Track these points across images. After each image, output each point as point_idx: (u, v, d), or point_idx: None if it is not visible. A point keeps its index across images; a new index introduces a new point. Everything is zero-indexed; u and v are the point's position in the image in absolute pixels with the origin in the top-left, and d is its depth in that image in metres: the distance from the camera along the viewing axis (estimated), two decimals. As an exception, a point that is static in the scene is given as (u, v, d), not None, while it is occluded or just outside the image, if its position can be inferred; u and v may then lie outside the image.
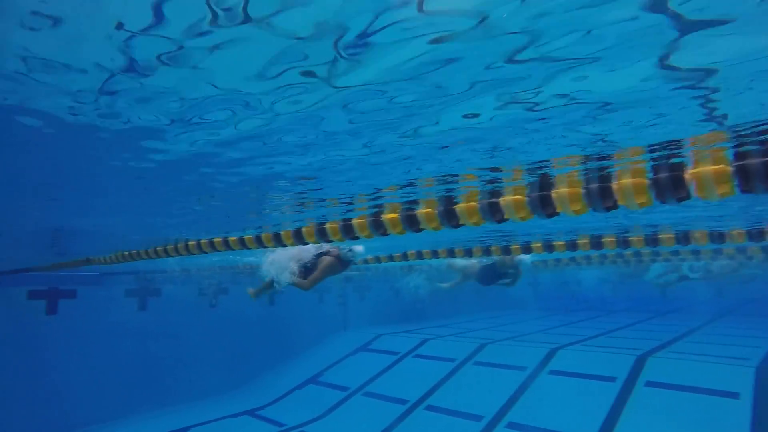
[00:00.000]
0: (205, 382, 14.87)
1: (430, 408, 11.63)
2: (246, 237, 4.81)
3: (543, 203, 3.49)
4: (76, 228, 6.27)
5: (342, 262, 7.15)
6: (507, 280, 11.87)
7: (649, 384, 9.73)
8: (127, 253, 6.99)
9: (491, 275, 11.08)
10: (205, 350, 15.42)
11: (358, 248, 7.09)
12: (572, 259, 13.35)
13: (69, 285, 13.70)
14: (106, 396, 13.26)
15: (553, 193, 3.45)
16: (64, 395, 12.74)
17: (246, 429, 12.33)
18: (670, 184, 3.21)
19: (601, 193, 3.36)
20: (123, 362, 13.97)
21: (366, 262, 11.54)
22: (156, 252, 5.94)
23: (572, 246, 7.43)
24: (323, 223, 4.64)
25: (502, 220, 3.64)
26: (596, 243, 7.40)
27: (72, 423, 12.40)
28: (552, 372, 11.49)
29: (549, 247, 7.74)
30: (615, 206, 3.48)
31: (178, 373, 14.80)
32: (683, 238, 7.26)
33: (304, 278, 7.20)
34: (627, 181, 3.26)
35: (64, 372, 12.99)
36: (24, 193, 4.19)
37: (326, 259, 6.98)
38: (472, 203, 3.65)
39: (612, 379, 10.24)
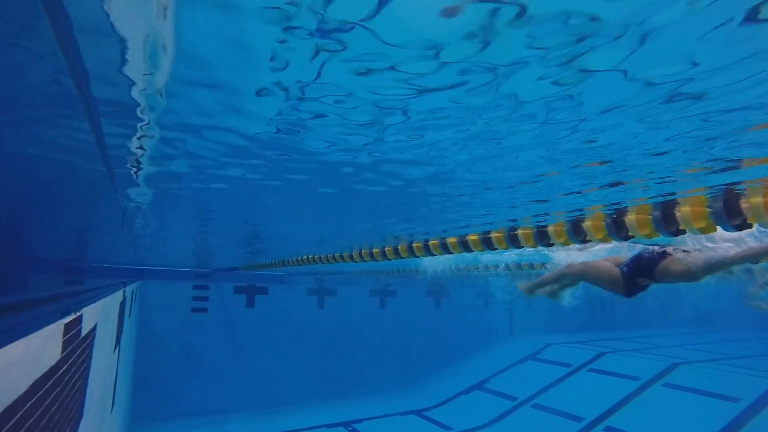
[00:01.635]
0: (375, 378, 15.75)
1: (610, 430, 10.56)
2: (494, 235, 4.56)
3: None
4: (270, 233, 7.14)
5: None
6: None
7: None
8: (318, 256, 7.59)
9: None
10: (375, 349, 16.36)
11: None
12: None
13: (263, 283, 15.82)
14: (290, 382, 14.95)
15: None
16: (257, 377, 14.72)
17: (413, 428, 12.70)
18: None
19: None
20: (304, 353, 15.59)
21: None
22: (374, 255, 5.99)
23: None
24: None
25: None
26: None
27: (260, 402, 14.26)
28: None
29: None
30: None
31: (352, 368, 15.95)
32: None
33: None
34: None
35: (257, 356, 15.03)
36: (236, 207, 4.88)
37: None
38: None
39: None
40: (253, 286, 15.73)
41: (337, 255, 6.74)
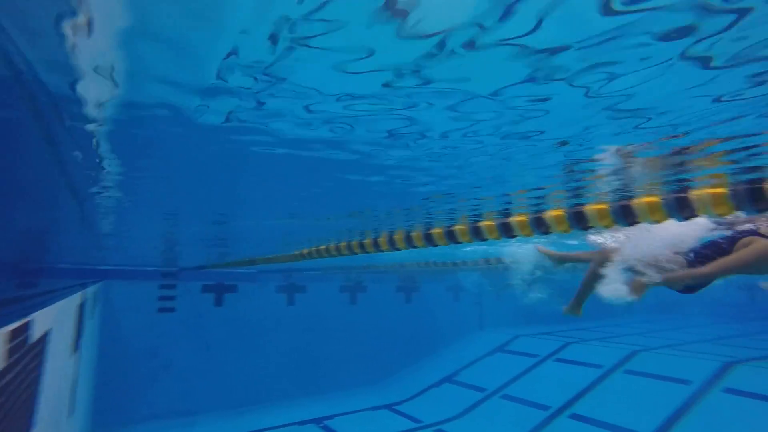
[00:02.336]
0: (347, 374, 15.75)
1: (575, 417, 10.88)
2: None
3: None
4: (239, 231, 7.05)
5: None
6: None
7: None
8: (291, 253, 7.48)
9: None
10: (346, 345, 16.35)
11: None
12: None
13: (232, 281, 15.57)
14: (260, 380, 14.80)
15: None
16: (226, 376, 14.52)
17: (384, 422, 12.77)
18: None
19: None
20: (274, 351, 15.45)
21: None
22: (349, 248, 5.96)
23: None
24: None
25: None
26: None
27: (229, 402, 14.08)
28: (729, 390, 9.85)
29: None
30: None
31: (322, 364, 15.90)
32: None
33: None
34: None
35: (226, 356, 14.81)
36: (200, 203, 4.82)
37: (760, 243, 4.10)
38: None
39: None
40: (222, 284, 15.47)
41: (305, 251, 6.71)
